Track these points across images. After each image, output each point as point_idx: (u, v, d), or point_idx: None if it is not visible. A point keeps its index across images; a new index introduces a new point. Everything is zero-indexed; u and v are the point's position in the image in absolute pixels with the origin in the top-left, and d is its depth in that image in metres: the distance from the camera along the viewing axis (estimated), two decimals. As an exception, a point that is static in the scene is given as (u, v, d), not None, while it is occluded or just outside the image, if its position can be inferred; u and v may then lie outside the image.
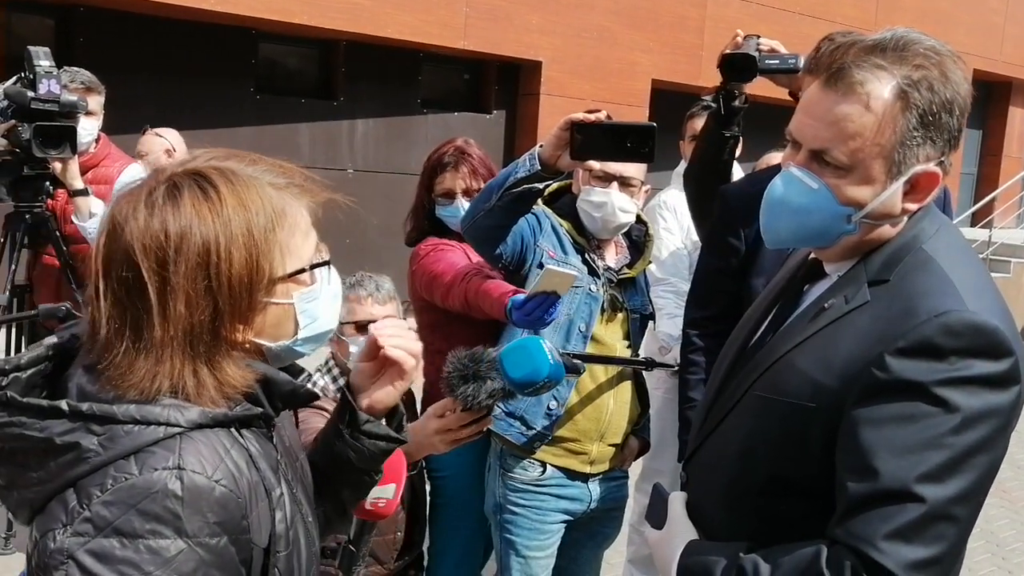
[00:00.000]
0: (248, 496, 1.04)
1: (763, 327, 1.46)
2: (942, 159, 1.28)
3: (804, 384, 1.27)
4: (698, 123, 3.45)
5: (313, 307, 1.15)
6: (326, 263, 1.17)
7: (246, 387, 1.06)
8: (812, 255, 1.45)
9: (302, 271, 1.12)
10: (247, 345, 1.10)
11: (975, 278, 1.28)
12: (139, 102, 6.69)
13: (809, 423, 1.26)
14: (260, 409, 1.10)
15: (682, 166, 3.66)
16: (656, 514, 1.49)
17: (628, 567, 3.54)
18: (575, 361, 2.13)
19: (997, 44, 13.72)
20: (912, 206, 1.31)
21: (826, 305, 1.32)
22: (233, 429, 1.07)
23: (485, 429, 1.57)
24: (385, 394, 1.29)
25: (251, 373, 1.08)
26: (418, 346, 1.30)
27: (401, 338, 1.28)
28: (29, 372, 1.06)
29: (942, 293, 1.22)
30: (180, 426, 1.01)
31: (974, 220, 12.92)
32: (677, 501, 1.47)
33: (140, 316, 1.01)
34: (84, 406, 1.00)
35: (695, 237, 3.41)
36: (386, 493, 1.42)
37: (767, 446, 1.31)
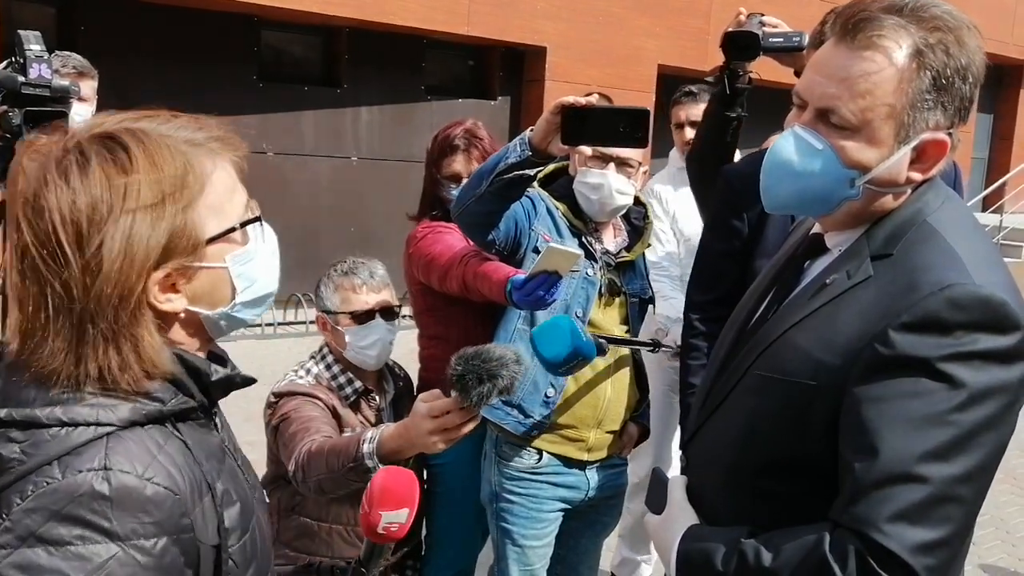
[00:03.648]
0: (189, 493, 0.98)
1: (764, 305, 1.42)
2: (951, 130, 1.24)
3: (805, 362, 1.23)
4: (681, 111, 3.47)
5: (249, 269, 1.09)
6: (257, 219, 1.10)
7: (169, 364, 1.01)
8: (813, 231, 1.41)
9: (231, 230, 1.05)
10: (181, 315, 1.05)
11: (982, 251, 1.23)
12: (141, 91, 6.65)
13: (811, 402, 1.22)
14: (195, 401, 1.05)
15: (673, 157, 3.62)
16: (655, 499, 1.46)
17: (619, 542, 3.53)
18: (600, 340, 2.10)
19: (1009, 27, 13.58)
20: (917, 175, 1.26)
21: (828, 281, 1.28)
22: (169, 424, 1.02)
23: (478, 421, 1.54)
24: None
25: (171, 360, 1.03)
26: None
27: None
28: None
29: (947, 266, 1.18)
30: (112, 424, 0.96)
31: (985, 205, 12.83)
32: (677, 486, 1.44)
33: (59, 296, 0.95)
34: (2, 412, 0.94)
35: (681, 225, 3.42)
36: (399, 518, 1.41)
37: (768, 426, 1.28)
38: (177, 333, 1.06)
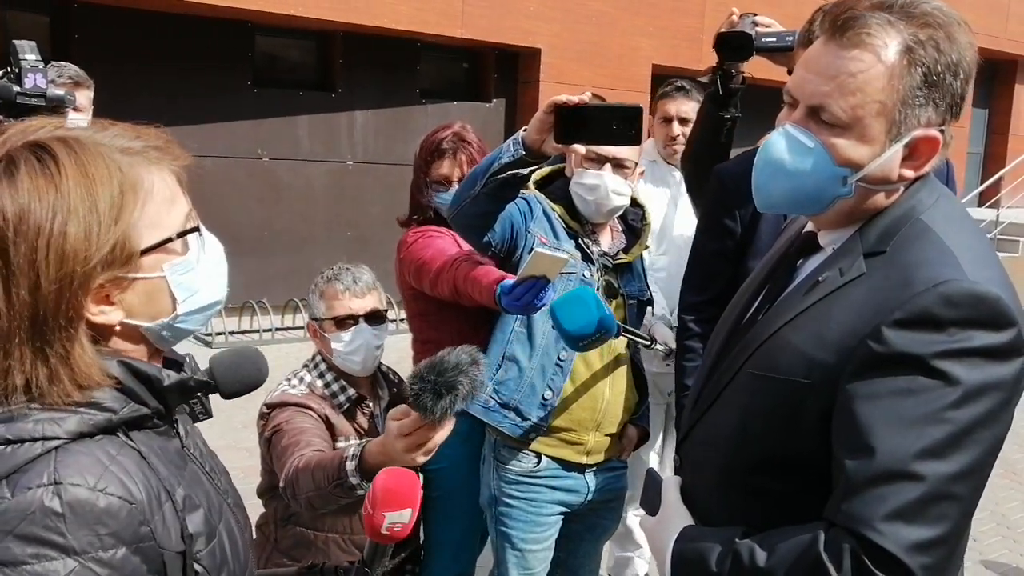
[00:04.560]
0: (147, 501, 0.97)
1: (756, 303, 1.42)
2: (943, 127, 1.24)
3: (798, 360, 1.23)
4: (670, 106, 3.34)
5: (189, 279, 1.06)
6: (195, 229, 1.07)
7: (103, 378, 0.99)
8: (806, 229, 1.40)
9: (167, 241, 1.03)
10: (117, 328, 1.03)
11: (975, 248, 1.23)
12: (136, 98, 6.66)
13: (804, 400, 1.21)
14: (147, 408, 1.04)
15: (648, 151, 3.51)
16: (650, 500, 1.46)
17: (609, 545, 3.53)
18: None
19: (1002, 21, 13.59)
20: (910, 173, 1.26)
21: (820, 278, 1.27)
22: (121, 433, 1.00)
23: (452, 425, 1.53)
24: None
25: (118, 369, 1.01)
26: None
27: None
28: None
29: (941, 263, 1.17)
30: (58, 438, 0.94)
31: (981, 199, 12.83)
32: (671, 486, 1.44)
33: None
34: None
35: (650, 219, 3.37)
36: (402, 518, 1.41)
37: (761, 424, 1.27)
38: (120, 344, 1.05)
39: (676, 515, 1.38)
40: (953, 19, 1.22)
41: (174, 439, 1.11)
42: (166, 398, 1.07)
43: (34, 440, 0.93)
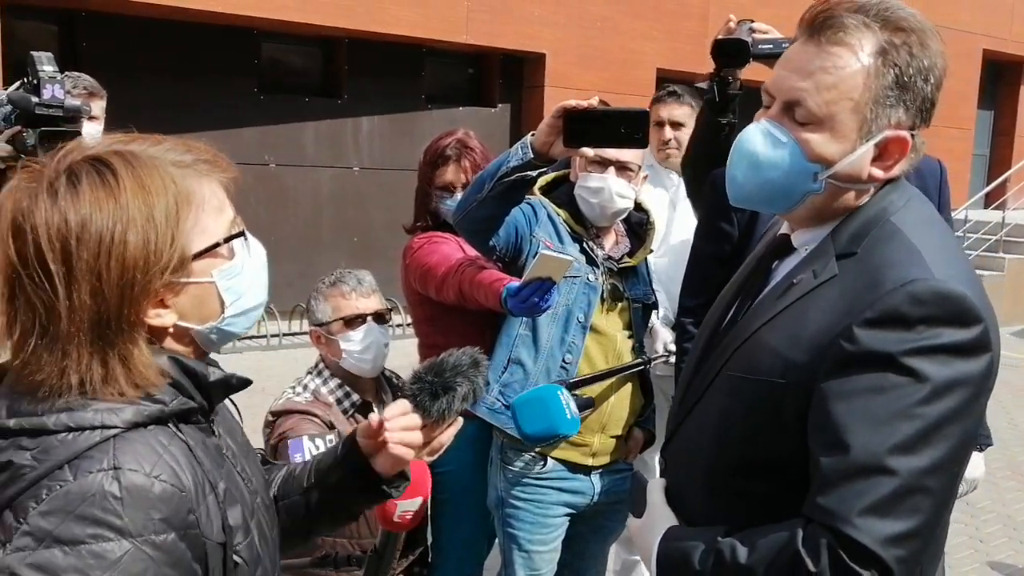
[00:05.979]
0: (194, 491, 1.03)
1: (735, 306, 1.45)
2: (914, 130, 1.28)
3: (775, 361, 1.26)
4: (662, 110, 3.36)
5: (237, 283, 1.13)
6: (241, 234, 1.14)
7: (158, 378, 1.05)
8: (780, 231, 1.44)
9: (216, 246, 1.10)
10: (171, 330, 1.09)
11: (943, 247, 1.26)
12: (143, 106, 6.71)
13: (782, 400, 1.24)
14: (195, 403, 1.09)
15: (646, 156, 3.53)
16: (636, 502, 1.49)
17: (615, 548, 3.55)
18: (585, 398, 2.13)
19: (1006, 23, 13.56)
20: (879, 173, 1.29)
21: (795, 280, 1.31)
22: (171, 425, 1.06)
23: (459, 426, 1.55)
24: (387, 467, 1.34)
25: (168, 364, 1.07)
26: (418, 440, 1.34)
27: (407, 434, 1.32)
28: None
29: (909, 263, 1.21)
30: (116, 427, 1.00)
31: (987, 201, 12.79)
32: (656, 488, 1.46)
33: (48, 311, 0.99)
34: (11, 422, 0.99)
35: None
36: (412, 506, 1.44)
37: (742, 426, 1.30)
38: (171, 345, 1.11)
39: (661, 516, 1.41)
40: (926, 27, 1.26)
41: (213, 436, 1.16)
42: (210, 393, 1.12)
43: (94, 428, 0.99)
